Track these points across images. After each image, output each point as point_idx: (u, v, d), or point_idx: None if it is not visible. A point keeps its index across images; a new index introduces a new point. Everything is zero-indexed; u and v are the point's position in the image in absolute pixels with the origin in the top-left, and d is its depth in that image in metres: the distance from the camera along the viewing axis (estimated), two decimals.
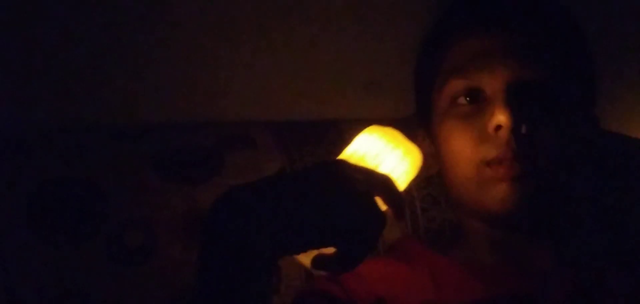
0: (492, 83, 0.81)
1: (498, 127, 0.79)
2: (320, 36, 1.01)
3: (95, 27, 0.94)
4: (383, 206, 0.67)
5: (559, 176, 0.81)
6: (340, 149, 0.99)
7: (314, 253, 0.66)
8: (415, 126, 0.93)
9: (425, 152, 0.90)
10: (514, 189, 0.79)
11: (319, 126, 1.04)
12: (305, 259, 0.67)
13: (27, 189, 0.88)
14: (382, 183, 0.66)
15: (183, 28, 0.97)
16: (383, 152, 0.74)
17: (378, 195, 0.65)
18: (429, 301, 0.80)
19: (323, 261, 0.65)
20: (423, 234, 0.97)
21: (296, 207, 0.61)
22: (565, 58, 0.84)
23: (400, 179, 0.75)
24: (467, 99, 0.83)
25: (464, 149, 0.83)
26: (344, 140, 1.02)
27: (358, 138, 0.77)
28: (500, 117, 0.78)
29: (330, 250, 0.64)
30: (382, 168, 0.73)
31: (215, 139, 0.97)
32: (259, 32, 1.00)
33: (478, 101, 0.82)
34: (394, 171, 0.74)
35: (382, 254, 0.94)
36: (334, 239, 0.62)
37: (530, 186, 0.79)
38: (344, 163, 0.67)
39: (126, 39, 0.95)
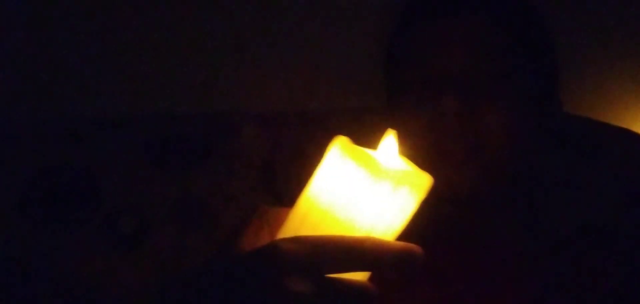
0: (440, 70, 0.82)
1: (444, 113, 0.80)
2: (305, 28, 1.03)
3: (88, 21, 0.95)
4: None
5: (509, 158, 0.81)
6: (322, 139, 1.01)
7: None
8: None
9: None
10: (460, 172, 0.79)
11: (304, 116, 1.06)
12: None
13: (22, 177, 0.90)
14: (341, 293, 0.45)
15: (172, 22, 0.99)
16: (361, 193, 0.47)
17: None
18: (431, 298, 0.81)
19: None
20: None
21: None
22: (523, 44, 0.84)
23: (392, 224, 0.48)
24: (423, 85, 0.84)
25: (415, 133, 0.83)
26: (327, 130, 1.04)
27: (324, 165, 0.48)
28: (445, 103, 0.79)
29: None
30: (359, 222, 0.47)
31: (203, 129, 1.00)
32: (245, 26, 1.02)
33: (431, 87, 0.83)
34: (379, 221, 0.48)
35: None
36: None
37: (475, 169, 0.80)
38: (277, 260, 0.44)
39: (117, 32, 0.97)
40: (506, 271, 0.83)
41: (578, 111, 1.00)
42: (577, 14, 1.01)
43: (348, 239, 0.46)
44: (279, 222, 0.49)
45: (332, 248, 0.45)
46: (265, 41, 1.04)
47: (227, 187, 0.95)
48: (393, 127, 0.89)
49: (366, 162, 0.47)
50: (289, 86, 1.06)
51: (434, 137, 0.81)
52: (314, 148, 0.99)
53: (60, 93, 0.96)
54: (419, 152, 0.82)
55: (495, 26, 0.83)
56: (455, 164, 0.80)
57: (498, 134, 0.80)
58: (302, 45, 1.05)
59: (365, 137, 1.06)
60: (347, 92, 1.07)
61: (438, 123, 0.81)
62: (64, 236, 0.89)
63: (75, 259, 0.89)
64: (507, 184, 0.84)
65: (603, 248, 0.87)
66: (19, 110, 0.95)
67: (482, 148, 0.80)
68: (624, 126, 1.01)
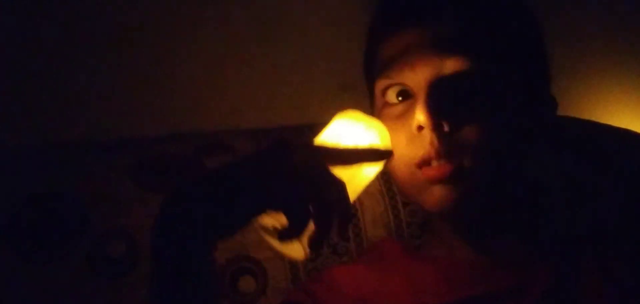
0: (414, 80, 0.78)
1: (420, 127, 0.76)
2: (294, 42, 1.03)
3: (69, 44, 0.95)
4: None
5: (495, 167, 0.77)
6: None
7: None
8: None
9: None
10: (447, 190, 0.76)
11: (296, 131, 1.05)
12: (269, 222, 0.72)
13: (6, 207, 0.88)
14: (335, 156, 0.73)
15: (157, 43, 0.98)
16: (347, 128, 0.78)
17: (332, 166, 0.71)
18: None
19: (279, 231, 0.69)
20: (406, 229, 0.97)
21: (234, 182, 0.67)
22: (503, 45, 0.80)
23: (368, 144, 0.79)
24: (399, 98, 0.80)
25: (396, 151, 0.80)
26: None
27: (331, 125, 0.80)
28: (420, 117, 0.75)
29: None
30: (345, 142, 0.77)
31: (192, 148, 0.98)
32: (232, 42, 1.01)
33: (408, 99, 0.80)
34: (359, 143, 0.78)
35: (360, 258, 0.93)
36: (278, 205, 0.67)
37: (462, 184, 0.76)
38: (291, 143, 0.71)
39: (101, 54, 0.96)
40: (516, 287, 0.80)
41: (576, 112, 0.98)
42: (571, 10, 0.99)
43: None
44: None
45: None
46: (255, 56, 1.03)
47: None
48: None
49: (350, 115, 0.80)
50: (282, 100, 1.05)
51: (415, 153, 0.78)
52: None
53: (45, 118, 0.95)
54: (404, 168, 0.79)
55: (464, 32, 0.78)
56: (440, 183, 0.76)
57: (479, 146, 0.76)
58: (294, 60, 1.04)
59: None
60: (340, 106, 1.06)
61: (416, 138, 0.77)
62: (52, 264, 0.87)
63: (64, 289, 0.86)
64: (496, 196, 0.80)
65: (607, 252, 0.84)
66: (2, 137, 0.93)
67: (464, 162, 0.76)
68: (624, 126, 1.00)
